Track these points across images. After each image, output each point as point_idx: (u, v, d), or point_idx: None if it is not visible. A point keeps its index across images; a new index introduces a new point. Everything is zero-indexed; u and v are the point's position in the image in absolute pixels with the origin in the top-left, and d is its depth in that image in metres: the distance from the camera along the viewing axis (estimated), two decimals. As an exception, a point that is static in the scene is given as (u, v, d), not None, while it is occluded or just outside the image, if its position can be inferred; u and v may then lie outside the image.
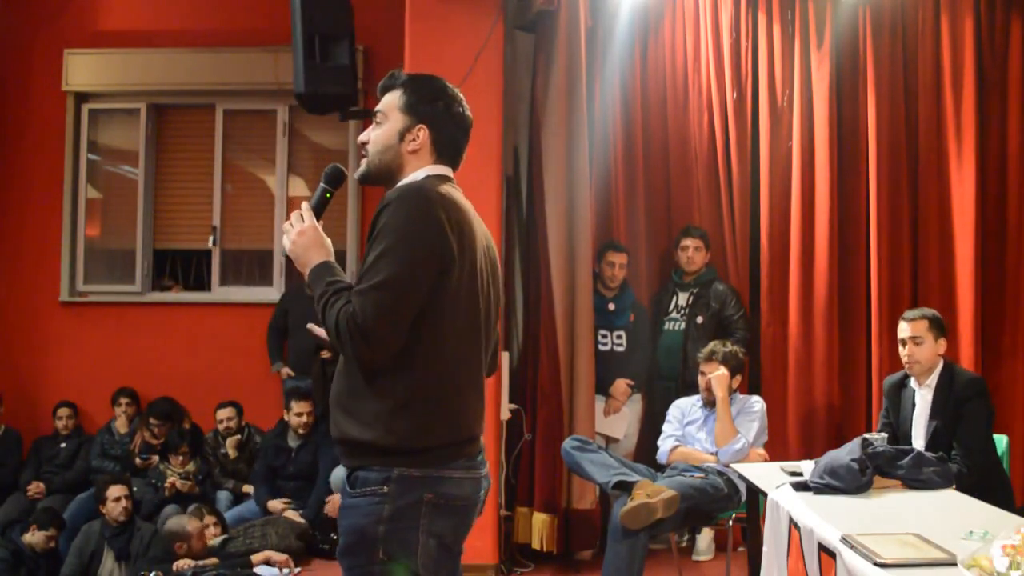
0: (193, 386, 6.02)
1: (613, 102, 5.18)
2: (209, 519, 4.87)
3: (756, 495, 3.58)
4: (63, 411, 5.96)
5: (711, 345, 4.41)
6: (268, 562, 4.60)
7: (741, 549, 4.36)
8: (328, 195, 2.13)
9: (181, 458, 5.49)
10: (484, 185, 4.54)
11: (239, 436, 5.64)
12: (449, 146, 2.13)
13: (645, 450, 4.87)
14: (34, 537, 4.99)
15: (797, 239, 5.05)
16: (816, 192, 5.05)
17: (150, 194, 6.44)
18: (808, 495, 2.89)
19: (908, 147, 5.05)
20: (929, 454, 3.04)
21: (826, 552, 2.39)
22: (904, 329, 3.87)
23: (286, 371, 5.76)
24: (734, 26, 5.19)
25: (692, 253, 5.03)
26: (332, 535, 4.80)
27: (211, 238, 6.37)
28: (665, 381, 5.03)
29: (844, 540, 2.26)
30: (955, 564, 1.99)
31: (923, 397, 3.87)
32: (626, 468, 4.03)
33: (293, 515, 5.05)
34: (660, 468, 4.28)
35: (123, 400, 5.89)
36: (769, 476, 3.33)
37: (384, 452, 1.94)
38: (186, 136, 6.53)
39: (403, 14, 4.68)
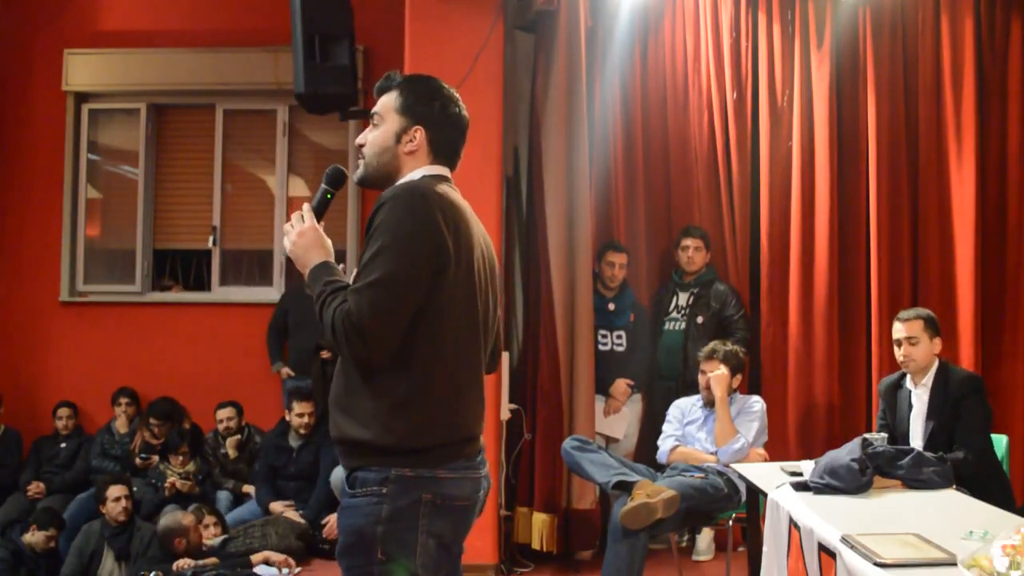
0: (193, 386, 6.02)
1: (613, 102, 5.18)
2: (209, 519, 4.87)
3: (756, 495, 3.58)
4: (63, 411, 5.96)
5: (712, 344, 4.41)
6: (267, 562, 4.60)
7: (741, 549, 4.36)
8: (329, 196, 2.14)
9: (181, 458, 5.49)
10: (484, 185, 4.54)
11: (239, 436, 5.64)
12: (446, 146, 2.13)
13: (645, 450, 4.87)
14: (34, 537, 4.99)
15: (797, 239, 5.05)
16: (816, 192, 5.05)
17: (150, 194, 6.44)
18: (808, 495, 2.89)
19: (908, 147, 5.05)
20: (929, 454, 3.05)
21: (826, 552, 2.39)
22: (899, 330, 3.89)
23: (286, 371, 5.77)
24: (734, 26, 5.19)
25: (692, 253, 5.03)
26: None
27: (211, 238, 6.37)
28: (665, 381, 5.03)
29: (844, 540, 2.26)
30: (955, 564, 1.99)
31: (919, 397, 3.88)
32: (626, 468, 4.03)
33: (293, 515, 5.06)
34: (660, 468, 4.28)
35: (123, 400, 5.89)
36: (769, 476, 3.33)
37: (382, 452, 1.93)
38: (186, 136, 6.53)
39: (403, 14, 4.68)
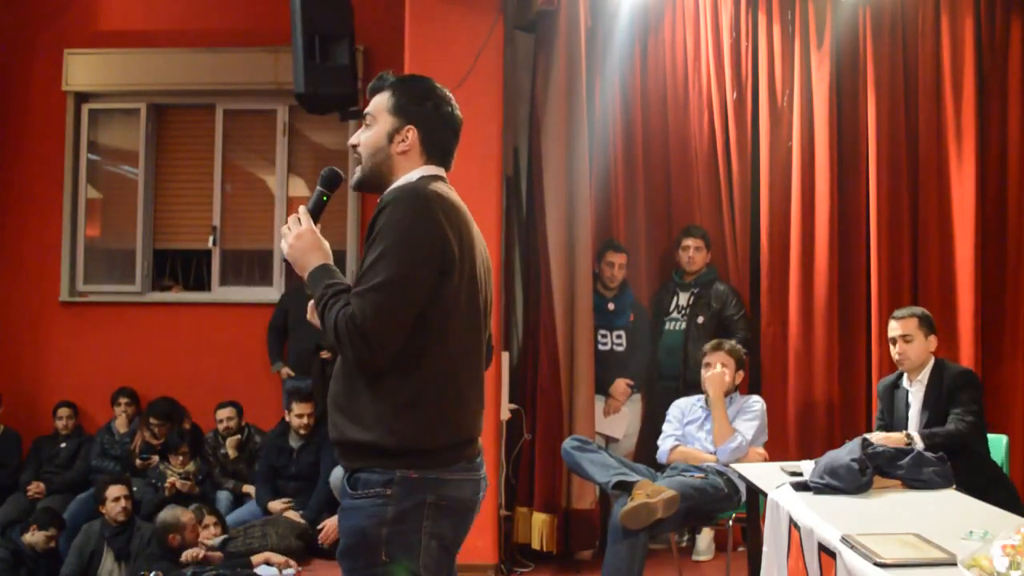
0: (193, 386, 6.02)
1: (613, 102, 5.18)
2: (209, 519, 4.87)
3: (756, 495, 3.58)
4: (63, 411, 5.96)
5: (715, 340, 4.43)
6: (268, 563, 4.60)
7: (741, 549, 4.35)
8: (325, 198, 2.14)
9: (181, 458, 5.49)
10: (484, 185, 4.54)
11: (239, 436, 5.64)
12: (439, 146, 2.12)
13: (645, 450, 4.87)
14: (34, 537, 4.99)
15: (797, 239, 5.05)
16: (816, 192, 5.05)
17: (150, 194, 6.44)
18: (808, 495, 2.89)
19: (908, 147, 5.05)
20: (929, 454, 3.05)
21: (826, 552, 2.39)
22: (894, 328, 3.93)
23: (286, 371, 5.77)
24: (734, 26, 5.19)
25: (693, 253, 5.03)
26: (335, 536, 4.79)
27: (211, 238, 6.37)
28: (665, 381, 5.03)
29: (844, 540, 2.26)
30: (955, 564, 1.99)
31: (915, 395, 3.91)
32: (626, 468, 4.03)
33: (293, 515, 5.06)
34: (660, 468, 4.28)
35: (123, 400, 5.89)
36: (769, 476, 3.33)
37: (386, 454, 1.93)
38: (186, 136, 6.53)
39: (403, 14, 4.68)
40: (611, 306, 5.03)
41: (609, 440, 4.99)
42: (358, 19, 4.94)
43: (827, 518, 2.53)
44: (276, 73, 6.12)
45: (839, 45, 5.09)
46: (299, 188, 6.42)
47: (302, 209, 2.10)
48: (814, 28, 5.09)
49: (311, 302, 2.10)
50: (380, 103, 2.11)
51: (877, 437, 3.45)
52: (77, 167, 6.43)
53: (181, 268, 6.65)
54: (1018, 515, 2.64)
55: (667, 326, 5.09)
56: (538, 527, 4.75)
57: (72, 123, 6.41)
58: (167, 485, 5.32)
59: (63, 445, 5.87)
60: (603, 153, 5.14)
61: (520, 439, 4.87)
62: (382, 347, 1.88)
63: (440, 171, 2.12)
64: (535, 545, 4.77)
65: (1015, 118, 4.96)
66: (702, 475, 3.99)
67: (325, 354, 5.42)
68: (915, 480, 2.98)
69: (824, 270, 5.00)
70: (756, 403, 4.31)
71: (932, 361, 3.91)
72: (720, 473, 4.03)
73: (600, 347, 4.96)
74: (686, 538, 5.01)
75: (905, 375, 3.98)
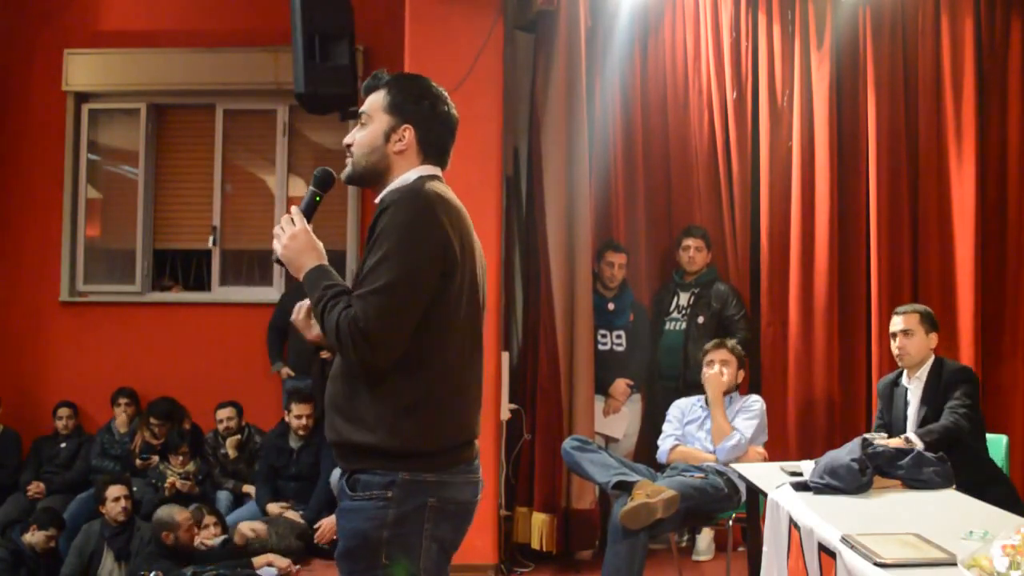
0: (193, 386, 6.02)
1: (613, 102, 5.18)
2: (209, 519, 4.87)
3: (756, 495, 3.58)
4: (63, 411, 5.96)
5: (717, 339, 4.44)
6: (270, 564, 4.60)
7: (741, 549, 4.35)
8: (318, 199, 2.13)
9: (181, 458, 5.49)
10: (484, 185, 4.54)
11: (239, 436, 5.64)
12: (436, 146, 2.11)
13: (645, 450, 4.87)
14: (34, 537, 4.99)
15: (797, 239, 5.05)
16: (816, 192, 5.05)
17: (150, 194, 6.44)
18: (808, 495, 2.89)
19: (908, 147, 5.05)
20: (929, 454, 3.05)
21: (826, 552, 2.38)
22: (896, 323, 3.96)
23: (286, 371, 5.76)
24: (734, 26, 5.19)
25: (693, 253, 5.03)
26: (332, 536, 4.79)
27: (211, 238, 6.37)
28: (665, 381, 5.03)
29: (844, 540, 2.26)
30: (955, 564, 1.99)
31: (914, 392, 3.91)
32: (626, 468, 4.03)
33: (293, 515, 5.06)
34: (660, 468, 4.28)
35: (123, 400, 5.88)
36: (769, 476, 3.33)
37: (387, 455, 1.92)
38: (186, 136, 6.53)
39: (403, 14, 4.68)
40: (611, 306, 5.03)
41: (609, 440, 4.99)
42: (358, 19, 4.94)
43: (827, 518, 2.53)
44: (276, 73, 6.12)
45: (839, 45, 5.09)
46: (299, 188, 6.40)
47: (295, 209, 2.09)
48: (814, 28, 5.09)
49: (297, 304, 2.10)
50: (376, 102, 2.10)
51: (877, 441, 3.45)
52: (77, 167, 6.43)
53: (181, 268, 6.64)
54: (1018, 515, 2.64)
55: (667, 326, 5.09)
56: (538, 527, 4.75)
57: (72, 123, 6.41)
58: (167, 485, 5.32)
59: (63, 445, 5.87)
60: (603, 153, 5.14)
61: (520, 439, 4.87)
62: (385, 349, 1.88)
63: (437, 171, 2.11)
64: (535, 545, 4.76)
65: (1015, 118, 4.96)
66: (702, 475, 3.99)
67: (325, 354, 5.42)
68: (915, 480, 2.98)
69: (824, 270, 5.00)
70: (756, 402, 4.31)
71: (932, 359, 3.93)
72: (720, 473, 4.02)
73: (600, 347, 4.96)
74: (686, 538, 5.01)
75: (904, 373, 3.99)
